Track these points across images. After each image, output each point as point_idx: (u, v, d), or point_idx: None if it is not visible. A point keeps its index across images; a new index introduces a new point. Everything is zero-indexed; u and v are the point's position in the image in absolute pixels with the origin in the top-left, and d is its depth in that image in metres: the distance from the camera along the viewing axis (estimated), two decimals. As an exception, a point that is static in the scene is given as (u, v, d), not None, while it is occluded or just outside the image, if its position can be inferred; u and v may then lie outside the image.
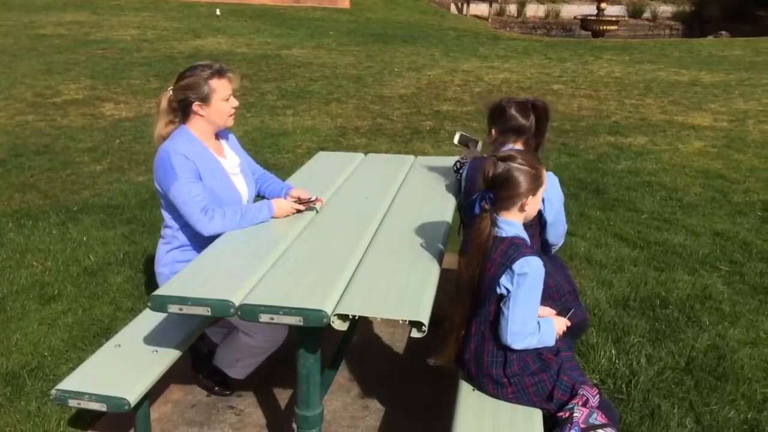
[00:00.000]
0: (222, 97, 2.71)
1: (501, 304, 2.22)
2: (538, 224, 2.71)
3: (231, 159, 2.91)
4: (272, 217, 2.78)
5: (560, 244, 2.90)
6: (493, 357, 2.29)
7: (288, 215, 2.81)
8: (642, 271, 4.22)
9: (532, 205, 2.29)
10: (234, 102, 2.78)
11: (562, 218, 2.78)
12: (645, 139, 7.34)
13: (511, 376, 2.27)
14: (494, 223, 2.24)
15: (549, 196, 2.61)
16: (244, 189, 2.90)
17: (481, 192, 2.26)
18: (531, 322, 2.24)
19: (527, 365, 2.27)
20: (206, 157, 2.76)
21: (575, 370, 2.34)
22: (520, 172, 2.22)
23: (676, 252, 4.51)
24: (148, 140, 6.83)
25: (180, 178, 2.63)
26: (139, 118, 7.75)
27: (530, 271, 2.16)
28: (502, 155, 2.28)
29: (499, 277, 2.19)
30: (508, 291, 2.20)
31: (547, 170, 2.59)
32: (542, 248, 2.81)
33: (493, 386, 2.30)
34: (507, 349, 2.27)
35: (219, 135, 2.92)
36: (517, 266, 2.16)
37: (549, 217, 2.68)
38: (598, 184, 5.79)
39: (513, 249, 2.19)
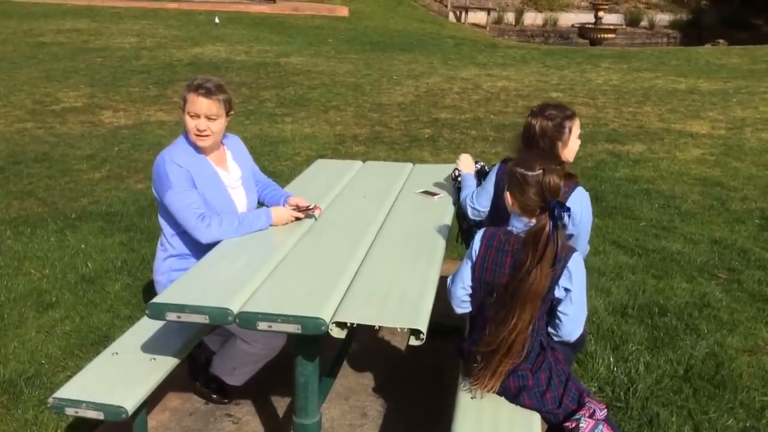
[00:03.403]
0: (188, 111, 2.69)
1: (558, 306, 2.23)
2: None
3: (233, 171, 2.90)
4: (271, 225, 2.78)
5: None
6: (530, 354, 2.28)
7: (287, 223, 2.82)
8: (640, 278, 4.22)
9: None
10: (200, 124, 2.67)
11: (585, 237, 2.69)
12: (643, 146, 7.36)
13: (536, 370, 2.26)
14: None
15: (574, 211, 2.54)
16: (242, 202, 2.89)
17: (555, 204, 2.14)
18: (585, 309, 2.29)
19: (546, 356, 2.29)
20: (203, 167, 2.76)
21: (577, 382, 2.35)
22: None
23: (675, 259, 4.52)
24: (147, 148, 6.84)
25: (174, 186, 2.64)
26: (138, 125, 7.76)
27: (580, 263, 2.23)
28: (549, 167, 2.20)
29: (559, 279, 2.20)
30: (567, 290, 2.21)
31: (578, 185, 2.59)
32: None
33: (514, 380, 2.28)
34: (542, 345, 2.28)
35: (224, 144, 2.91)
36: (572, 263, 2.20)
37: (570, 230, 2.61)
38: (596, 191, 5.79)
39: (560, 249, 2.19)
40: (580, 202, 2.59)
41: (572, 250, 2.24)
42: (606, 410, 2.24)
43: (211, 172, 2.78)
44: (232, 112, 2.81)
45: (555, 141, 2.60)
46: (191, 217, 2.64)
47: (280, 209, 2.86)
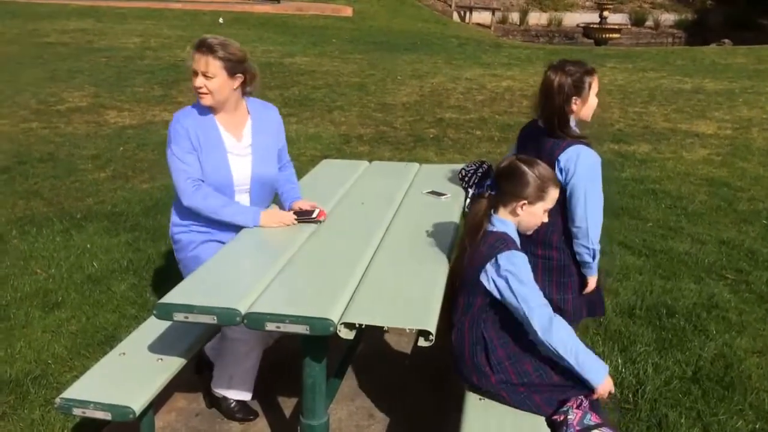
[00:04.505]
0: (191, 68, 2.66)
1: (516, 311, 2.21)
2: (558, 213, 2.59)
3: (244, 139, 2.80)
4: (257, 226, 2.74)
5: (587, 249, 2.64)
6: (474, 345, 2.29)
7: (277, 227, 2.77)
8: (648, 279, 4.20)
9: (527, 215, 2.31)
10: (197, 81, 2.64)
11: (582, 198, 2.55)
12: (649, 147, 7.33)
13: (496, 364, 2.26)
14: (489, 211, 2.30)
15: (567, 166, 2.53)
16: (244, 173, 2.78)
17: (491, 180, 2.31)
18: (541, 299, 2.22)
19: (508, 347, 2.27)
20: (205, 129, 2.72)
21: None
22: (527, 174, 2.27)
23: (682, 260, 4.49)
24: (152, 147, 6.84)
25: (172, 146, 2.68)
26: (143, 125, 7.75)
27: (517, 261, 2.21)
28: (524, 157, 2.34)
29: (484, 267, 2.23)
30: (499, 287, 2.21)
31: (576, 144, 2.57)
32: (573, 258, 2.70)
33: (477, 377, 2.30)
34: (488, 335, 2.28)
35: (250, 111, 2.84)
36: (503, 258, 2.20)
37: (568, 188, 2.55)
38: (603, 191, 5.76)
39: (500, 243, 2.24)
40: (576, 157, 2.54)
41: (509, 248, 2.22)
42: (590, 396, 2.24)
43: (214, 134, 2.73)
44: (239, 76, 2.69)
45: (571, 97, 2.58)
46: (181, 178, 2.67)
47: (271, 213, 2.80)
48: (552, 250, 2.67)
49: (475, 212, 2.34)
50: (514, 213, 2.31)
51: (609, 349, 3.39)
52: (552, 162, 2.55)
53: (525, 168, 2.27)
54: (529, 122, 2.86)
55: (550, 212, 2.40)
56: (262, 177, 2.84)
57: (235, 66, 2.67)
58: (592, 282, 2.76)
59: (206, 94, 2.67)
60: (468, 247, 2.32)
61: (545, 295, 2.66)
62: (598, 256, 2.70)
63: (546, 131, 2.64)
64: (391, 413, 2.94)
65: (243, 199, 2.83)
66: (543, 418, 2.25)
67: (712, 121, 8.56)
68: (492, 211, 2.33)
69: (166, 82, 9.80)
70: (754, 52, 14.97)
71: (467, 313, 2.31)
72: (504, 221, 2.31)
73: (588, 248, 2.65)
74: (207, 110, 2.74)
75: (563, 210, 2.62)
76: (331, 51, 13.13)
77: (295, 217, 2.83)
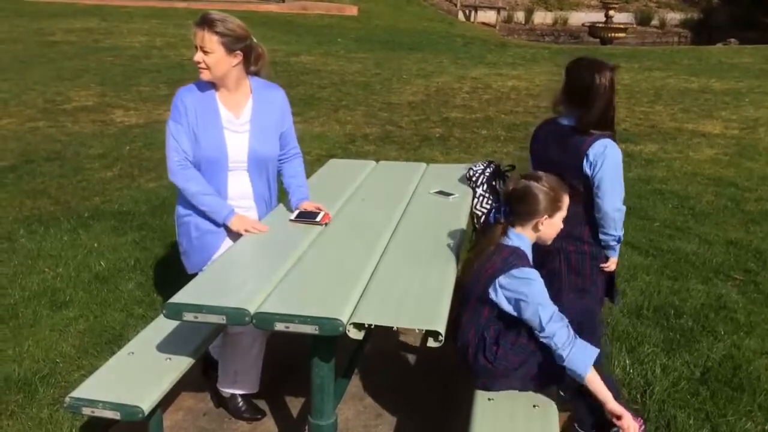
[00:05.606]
0: (192, 43, 2.67)
1: (535, 329, 2.24)
2: (582, 205, 2.67)
3: (243, 115, 2.78)
4: (225, 225, 2.74)
5: (614, 236, 2.71)
6: (476, 349, 2.34)
7: (244, 231, 2.74)
8: (655, 279, 4.19)
9: (548, 227, 2.37)
10: (197, 56, 2.63)
11: (609, 188, 2.61)
12: (655, 146, 7.31)
13: (492, 358, 2.31)
14: (505, 234, 2.36)
15: (596, 160, 2.59)
16: (237, 148, 2.75)
17: (500, 204, 2.38)
18: (558, 314, 2.24)
19: (500, 342, 2.31)
20: (204, 103, 2.71)
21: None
22: (538, 191, 2.31)
23: (689, 261, 4.48)
24: (158, 146, 6.84)
25: (170, 122, 2.71)
26: (149, 124, 7.76)
27: (531, 276, 2.25)
28: (526, 173, 2.39)
29: (495, 280, 2.26)
30: (511, 304, 2.25)
31: (603, 138, 2.61)
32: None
33: (483, 379, 2.36)
34: (489, 338, 2.32)
35: (253, 90, 2.81)
36: (517, 273, 2.24)
37: (595, 180, 2.62)
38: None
39: (514, 257, 2.29)
40: (603, 150, 2.61)
41: (523, 266, 2.26)
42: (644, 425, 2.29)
43: (212, 109, 2.72)
44: (238, 53, 2.65)
45: (612, 96, 2.64)
46: (170, 156, 2.70)
47: (245, 218, 2.76)
48: (584, 244, 2.77)
49: (490, 238, 2.38)
50: (535, 228, 2.36)
51: (617, 350, 3.38)
52: (580, 156, 2.62)
53: (534, 184, 2.32)
54: (546, 122, 2.88)
55: (576, 207, 2.49)
56: (260, 155, 2.80)
57: (233, 42, 2.63)
58: (614, 261, 2.86)
59: (204, 69, 2.66)
60: (475, 260, 2.37)
61: (580, 287, 2.79)
62: (621, 240, 2.82)
63: (576, 129, 2.67)
64: (398, 413, 2.94)
65: (242, 177, 2.79)
66: (555, 415, 2.26)
67: (719, 120, 8.53)
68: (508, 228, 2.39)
69: (172, 81, 9.80)
70: (761, 51, 14.92)
71: (471, 323, 2.35)
72: (520, 236, 2.37)
73: (615, 236, 2.75)
74: (209, 86, 2.73)
75: (588, 202, 2.69)
76: (336, 50, 13.14)
77: (299, 218, 2.82)
